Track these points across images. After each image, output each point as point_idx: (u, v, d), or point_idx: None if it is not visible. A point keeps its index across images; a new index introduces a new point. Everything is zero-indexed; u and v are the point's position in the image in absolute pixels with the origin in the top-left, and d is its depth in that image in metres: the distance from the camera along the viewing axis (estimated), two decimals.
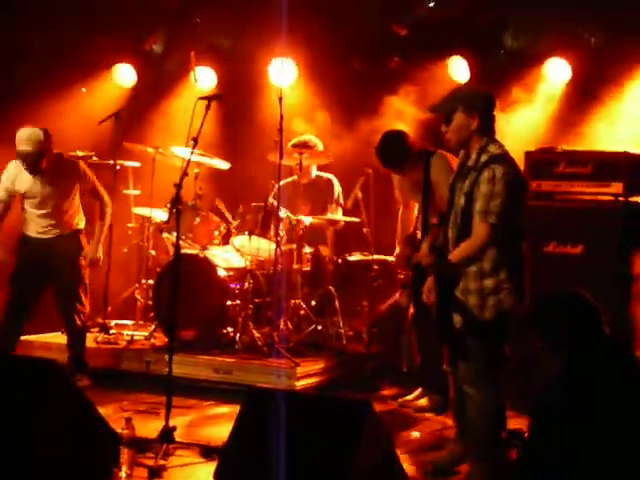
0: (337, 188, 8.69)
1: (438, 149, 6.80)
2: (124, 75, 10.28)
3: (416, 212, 7.27)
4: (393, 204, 7.65)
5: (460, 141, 5.21)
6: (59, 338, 8.17)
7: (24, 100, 9.11)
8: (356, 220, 8.27)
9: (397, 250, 7.47)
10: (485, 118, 5.17)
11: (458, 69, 8.97)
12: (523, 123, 8.36)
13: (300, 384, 7.20)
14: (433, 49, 9.04)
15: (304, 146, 8.31)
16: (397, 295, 7.97)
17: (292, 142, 8.36)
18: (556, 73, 8.55)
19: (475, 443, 5.26)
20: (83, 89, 10.00)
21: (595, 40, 8.36)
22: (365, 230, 8.24)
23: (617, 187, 7.18)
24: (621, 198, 7.21)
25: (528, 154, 7.42)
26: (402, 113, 8.35)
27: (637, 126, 7.84)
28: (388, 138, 7.13)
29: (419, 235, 6.99)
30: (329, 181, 8.73)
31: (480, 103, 5.20)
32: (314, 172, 8.74)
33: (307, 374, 7.35)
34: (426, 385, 7.22)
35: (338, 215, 8.44)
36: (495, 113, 5.25)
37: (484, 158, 5.07)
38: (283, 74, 9.16)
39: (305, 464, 4.35)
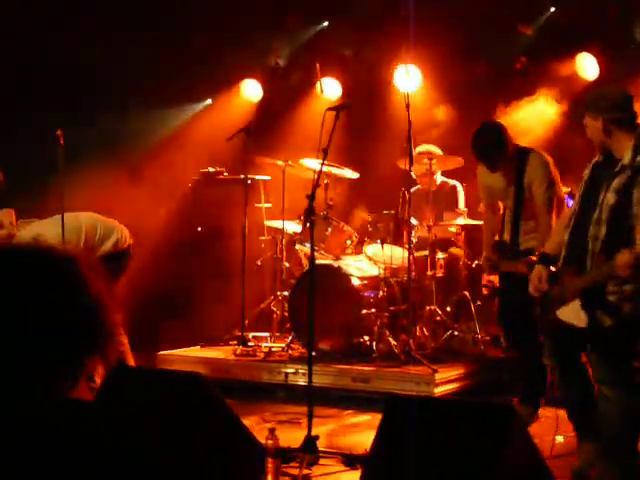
0: (461, 195, 8.61)
1: (534, 149, 6.62)
2: (251, 90, 10.47)
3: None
4: None
5: (597, 143, 5.03)
6: (198, 352, 8.34)
7: (155, 115, 9.34)
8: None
9: (484, 254, 7.16)
10: (615, 117, 4.92)
11: (587, 66, 8.81)
12: None
13: (439, 391, 7.14)
14: (560, 47, 8.91)
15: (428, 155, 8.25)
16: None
17: (417, 150, 8.33)
18: None
19: (608, 442, 5.10)
20: (209, 100, 10.22)
21: None
22: None
23: None
24: None
25: None
26: (530, 114, 8.24)
27: None
28: (487, 127, 6.72)
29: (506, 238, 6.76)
30: (453, 187, 8.66)
31: (603, 103, 4.98)
32: (439, 178, 8.70)
33: (446, 380, 7.30)
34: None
35: (462, 220, 8.29)
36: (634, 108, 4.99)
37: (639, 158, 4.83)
38: (408, 80, 9.12)
39: (448, 472, 4.30)
